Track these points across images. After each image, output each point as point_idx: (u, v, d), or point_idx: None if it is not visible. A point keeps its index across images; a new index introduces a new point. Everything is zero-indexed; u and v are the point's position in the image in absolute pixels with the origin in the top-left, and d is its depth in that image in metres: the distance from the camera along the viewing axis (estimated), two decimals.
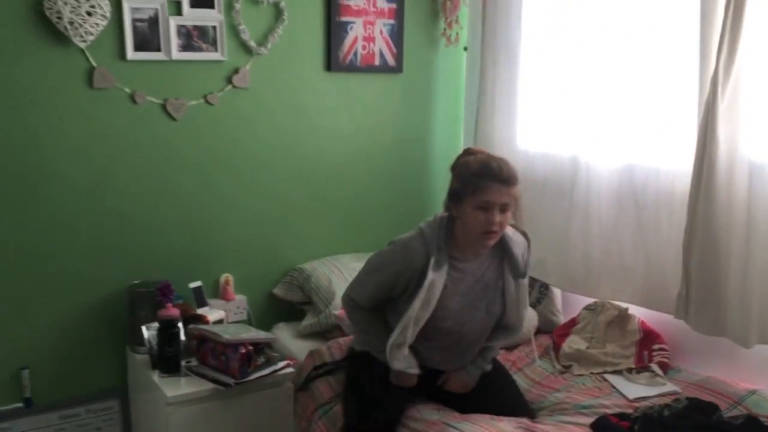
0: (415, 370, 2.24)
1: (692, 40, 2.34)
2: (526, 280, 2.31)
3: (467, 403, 2.32)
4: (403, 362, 2.20)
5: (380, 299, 2.27)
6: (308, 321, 2.97)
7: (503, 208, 2.10)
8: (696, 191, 2.30)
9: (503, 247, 2.24)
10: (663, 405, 2.20)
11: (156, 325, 2.53)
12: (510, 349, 2.79)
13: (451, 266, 2.18)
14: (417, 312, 2.14)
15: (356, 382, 2.36)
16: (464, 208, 2.12)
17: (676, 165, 2.50)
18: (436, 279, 2.13)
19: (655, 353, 2.62)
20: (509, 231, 2.24)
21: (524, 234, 2.31)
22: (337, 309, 2.77)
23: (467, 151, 2.23)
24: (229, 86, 2.88)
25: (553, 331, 2.90)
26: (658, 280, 2.59)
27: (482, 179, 2.08)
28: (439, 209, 2.30)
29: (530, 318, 2.95)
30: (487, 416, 2.21)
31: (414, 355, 2.24)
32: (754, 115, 2.23)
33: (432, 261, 2.12)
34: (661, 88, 2.54)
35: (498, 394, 2.37)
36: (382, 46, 3.21)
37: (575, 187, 2.81)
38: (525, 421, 2.24)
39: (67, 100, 2.60)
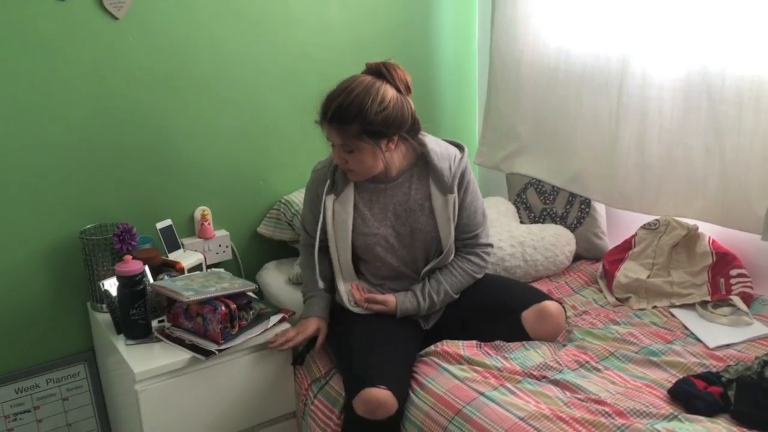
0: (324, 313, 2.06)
1: None
2: (454, 196, 2.00)
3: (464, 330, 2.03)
4: (344, 296, 2.05)
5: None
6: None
7: (345, 148, 1.89)
8: None
9: (427, 164, 2.01)
10: (762, 362, 1.71)
11: (115, 282, 2.03)
12: None
13: (362, 188, 2.02)
14: (334, 239, 2.02)
15: (345, 346, 1.99)
16: None
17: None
18: (337, 202, 2.01)
19: (733, 281, 2.13)
20: (432, 143, 2.01)
21: (457, 145, 2.07)
22: None
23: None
24: None
25: (603, 257, 2.41)
26: (737, 192, 2.10)
27: (320, 114, 1.91)
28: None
29: (566, 242, 2.46)
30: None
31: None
32: None
33: (327, 184, 2.01)
34: None
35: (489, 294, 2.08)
36: None
37: (627, 78, 2.27)
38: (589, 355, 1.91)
39: None
